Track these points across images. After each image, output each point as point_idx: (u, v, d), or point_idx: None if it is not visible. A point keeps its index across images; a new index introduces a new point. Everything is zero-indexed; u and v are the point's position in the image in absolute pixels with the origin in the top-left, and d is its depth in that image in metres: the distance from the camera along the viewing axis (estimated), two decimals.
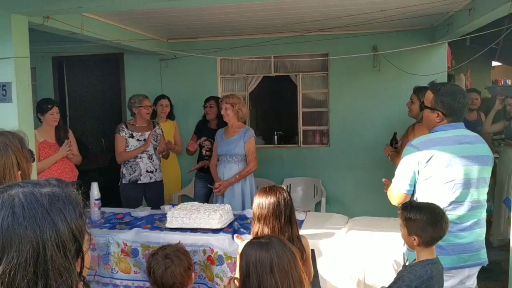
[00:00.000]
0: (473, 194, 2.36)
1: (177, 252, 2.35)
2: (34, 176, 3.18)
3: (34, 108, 3.75)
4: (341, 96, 5.83)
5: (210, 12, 4.37)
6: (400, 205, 2.30)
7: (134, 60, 6.17)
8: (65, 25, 3.85)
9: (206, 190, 4.64)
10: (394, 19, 4.48)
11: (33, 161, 1.79)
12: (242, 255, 1.78)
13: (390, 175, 2.59)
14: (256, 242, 1.78)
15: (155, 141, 4.44)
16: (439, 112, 2.43)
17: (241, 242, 2.67)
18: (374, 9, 4.22)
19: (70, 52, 5.78)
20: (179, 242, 2.66)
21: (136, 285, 3.13)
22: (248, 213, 3.52)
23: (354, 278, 3.03)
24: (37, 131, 4.00)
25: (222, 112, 4.13)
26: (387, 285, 2.17)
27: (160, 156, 4.56)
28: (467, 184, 2.35)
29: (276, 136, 6.56)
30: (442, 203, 2.26)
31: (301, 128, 6.13)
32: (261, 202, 2.30)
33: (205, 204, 3.61)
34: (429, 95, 2.51)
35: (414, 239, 2.13)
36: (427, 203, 2.22)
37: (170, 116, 5.25)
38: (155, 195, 4.49)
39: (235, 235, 3.01)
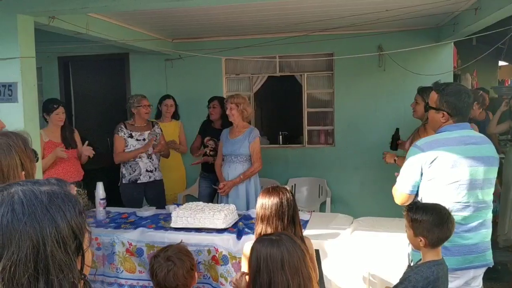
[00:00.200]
0: (478, 195, 2.35)
1: (179, 254, 2.33)
2: (38, 176, 3.19)
3: (40, 108, 3.77)
4: (346, 96, 5.81)
5: (214, 12, 4.37)
6: (405, 206, 2.29)
7: (139, 60, 6.19)
8: (70, 25, 3.87)
9: (211, 190, 4.65)
10: (399, 19, 4.46)
11: (37, 161, 1.80)
12: (252, 251, 1.78)
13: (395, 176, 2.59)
14: (267, 239, 1.79)
15: (154, 141, 4.44)
16: (445, 112, 2.42)
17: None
18: (378, 9, 4.20)
19: (76, 52, 5.79)
20: (181, 242, 2.64)
21: (141, 284, 3.14)
22: (253, 213, 3.51)
23: (359, 279, 3.02)
24: (43, 131, 4.03)
25: (227, 112, 4.14)
26: (392, 286, 2.16)
27: (160, 155, 4.56)
28: (472, 185, 2.34)
29: (281, 136, 6.54)
30: (447, 204, 2.24)
31: (306, 128, 6.12)
32: (264, 202, 2.30)
33: (210, 204, 3.61)
34: (433, 96, 2.49)
35: (421, 240, 2.12)
36: (433, 204, 2.21)
37: (175, 116, 5.26)
38: (155, 195, 4.49)
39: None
